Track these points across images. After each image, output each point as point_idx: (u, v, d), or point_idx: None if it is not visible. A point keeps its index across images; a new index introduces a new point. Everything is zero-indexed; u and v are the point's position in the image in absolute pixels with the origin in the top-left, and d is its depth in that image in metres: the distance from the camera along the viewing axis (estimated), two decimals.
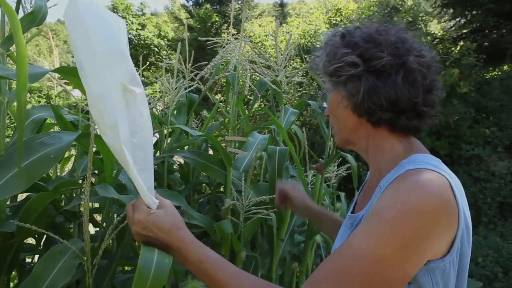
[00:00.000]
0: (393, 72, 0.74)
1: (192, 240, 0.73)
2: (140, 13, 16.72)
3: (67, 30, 0.64)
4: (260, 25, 9.40)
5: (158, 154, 1.35)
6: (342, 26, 0.89)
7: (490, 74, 7.28)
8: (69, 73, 0.89)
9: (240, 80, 1.23)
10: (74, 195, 1.19)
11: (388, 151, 0.80)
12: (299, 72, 1.45)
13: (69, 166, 1.64)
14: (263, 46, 8.00)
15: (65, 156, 1.57)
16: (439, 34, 7.81)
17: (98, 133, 0.74)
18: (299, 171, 1.32)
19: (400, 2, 8.87)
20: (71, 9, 0.63)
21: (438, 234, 0.67)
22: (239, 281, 0.70)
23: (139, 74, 1.86)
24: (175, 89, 1.23)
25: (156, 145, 1.44)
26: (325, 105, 0.88)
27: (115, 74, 0.66)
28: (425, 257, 0.67)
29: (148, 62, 2.00)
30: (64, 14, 0.64)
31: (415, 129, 0.79)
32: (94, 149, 0.98)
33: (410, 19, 8.00)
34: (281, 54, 1.38)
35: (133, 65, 0.71)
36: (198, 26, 13.70)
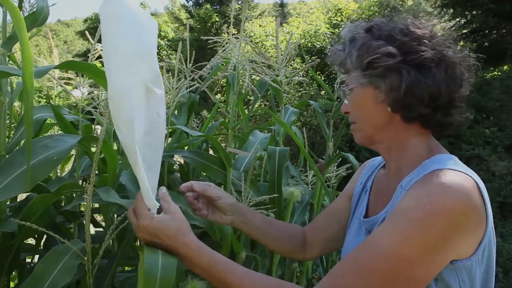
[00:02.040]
0: (434, 66, 0.73)
1: (198, 245, 0.73)
2: None
3: (100, 23, 0.65)
4: (260, 25, 9.40)
5: None
6: (343, 25, 0.88)
7: (490, 74, 7.28)
8: (73, 68, 0.89)
9: (240, 80, 1.23)
10: (74, 195, 1.19)
11: (411, 150, 0.79)
12: (300, 72, 1.45)
13: (69, 166, 1.64)
14: (263, 46, 8.00)
15: None
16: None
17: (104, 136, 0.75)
18: (310, 163, 1.29)
19: (400, 2, 8.87)
20: (108, 4, 0.64)
21: (465, 236, 0.67)
22: (251, 282, 0.70)
23: None
24: (176, 89, 1.23)
25: None
26: (346, 102, 0.85)
27: (139, 72, 0.67)
28: (449, 257, 0.67)
29: None
30: (100, 7, 0.65)
31: (448, 125, 0.78)
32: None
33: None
34: (282, 54, 1.38)
35: (158, 66, 0.71)
36: (198, 26, 13.70)
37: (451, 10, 7.73)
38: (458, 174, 0.69)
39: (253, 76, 1.19)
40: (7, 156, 0.88)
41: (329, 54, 0.88)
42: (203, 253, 0.72)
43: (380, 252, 0.66)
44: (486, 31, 7.31)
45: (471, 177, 0.70)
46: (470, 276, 0.70)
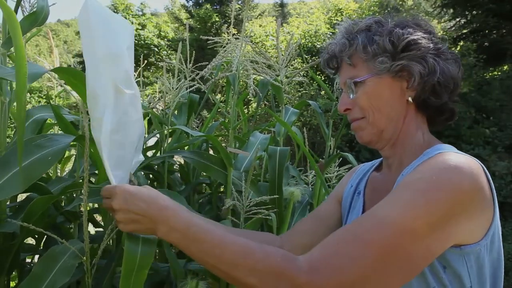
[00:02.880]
0: (449, 56, 0.79)
1: (178, 207, 0.71)
2: (140, 13, 16.73)
3: (79, 29, 0.71)
4: (260, 25, 9.40)
5: (158, 154, 1.35)
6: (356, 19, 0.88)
7: (490, 74, 7.28)
8: (66, 73, 0.88)
9: (241, 80, 1.23)
10: (75, 195, 1.18)
11: (414, 142, 0.80)
12: (300, 72, 1.45)
13: (69, 166, 1.64)
14: (264, 46, 8.00)
15: (65, 156, 1.57)
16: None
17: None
18: (310, 162, 1.28)
19: (401, 2, 8.88)
20: (83, 10, 0.70)
21: (470, 217, 0.65)
22: (231, 241, 0.66)
23: (139, 74, 1.86)
24: (176, 89, 1.23)
25: (157, 145, 1.44)
26: (351, 96, 0.80)
27: (110, 74, 0.72)
28: (450, 238, 0.64)
29: (146, 61, 2.01)
30: (78, 15, 0.71)
31: (453, 113, 0.82)
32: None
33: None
34: (282, 54, 1.38)
35: (130, 68, 0.76)
36: (198, 26, 13.70)
37: (451, 10, 7.74)
38: (464, 157, 0.68)
39: (254, 76, 1.18)
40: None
41: (329, 49, 0.86)
42: (182, 214, 0.69)
43: (379, 223, 0.62)
44: (486, 31, 7.32)
45: (477, 161, 0.69)
46: (478, 262, 0.68)
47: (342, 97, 0.84)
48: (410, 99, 0.78)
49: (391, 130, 0.80)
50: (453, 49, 7.20)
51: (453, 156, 0.68)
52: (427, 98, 0.78)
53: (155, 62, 12.99)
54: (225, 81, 1.38)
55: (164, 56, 14.88)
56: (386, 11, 8.78)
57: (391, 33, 0.76)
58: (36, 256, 1.22)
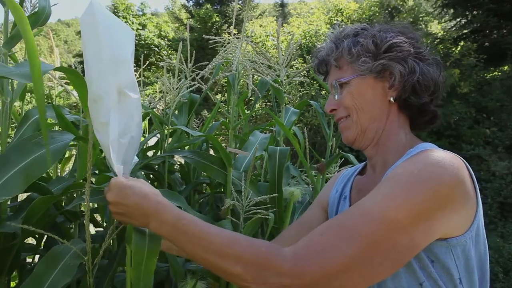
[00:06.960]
0: (431, 61, 0.82)
1: (169, 203, 0.73)
2: (141, 13, 16.73)
3: (81, 31, 0.71)
4: (260, 25, 9.40)
5: (158, 154, 1.35)
6: (343, 25, 0.92)
7: (491, 74, 7.28)
8: (68, 72, 0.88)
9: (241, 80, 1.23)
10: (75, 195, 1.18)
11: (397, 141, 0.83)
12: (301, 72, 1.45)
13: (69, 165, 1.64)
14: (264, 46, 8.00)
15: (66, 156, 1.57)
16: (439, 34, 7.81)
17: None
18: (306, 167, 1.29)
19: (401, 3, 8.87)
20: (88, 13, 0.69)
21: (453, 209, 0.66)
22: (217, 232, 0.68)
23: (139, 74, 1.86)
24: (176, 89, 1.23)
25: (157, 145, 1.44)
26: (336, 97, 0.85)
27: (116, 78, 0.72)
28: (434, 231, 0.65)
29: (148, 62, 2.01)
30: (81, 16, 0.70)
31: (436, 115, 0.84)
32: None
33: (411, 20, 8.01)
34: (283, 54, 1.38)
35: (134, 72, 0.77)
36: (199, 26, 13.70)
37: (452, 10, 7.74)
38: (445, 152, 0.71)
39: (255, 76, 1.18)
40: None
41: (318, 54, 0.90)
42: (172, 209, 0.71)
43: (365, 214, 0.64)
44: (487, 31, 7.31)
45: (459, 157, 0.71)
46: (464, 254, 0.70)
47: (329, 98, 0.88)
48: (392, 99, 0.81)
49: (374, 129, 0.83)
50: (453, 49, 7.20)
51: (435, 153, 0.70)
52: (408, 98, 0.81)
53: (155, 62, 12.99)
54: (226, 81, 1.39)
55: (164, 56, 14.87)
56: (387, 11, 8.77)
57: (374, 36, 0.81)
58: (37, 256, 1.23)
